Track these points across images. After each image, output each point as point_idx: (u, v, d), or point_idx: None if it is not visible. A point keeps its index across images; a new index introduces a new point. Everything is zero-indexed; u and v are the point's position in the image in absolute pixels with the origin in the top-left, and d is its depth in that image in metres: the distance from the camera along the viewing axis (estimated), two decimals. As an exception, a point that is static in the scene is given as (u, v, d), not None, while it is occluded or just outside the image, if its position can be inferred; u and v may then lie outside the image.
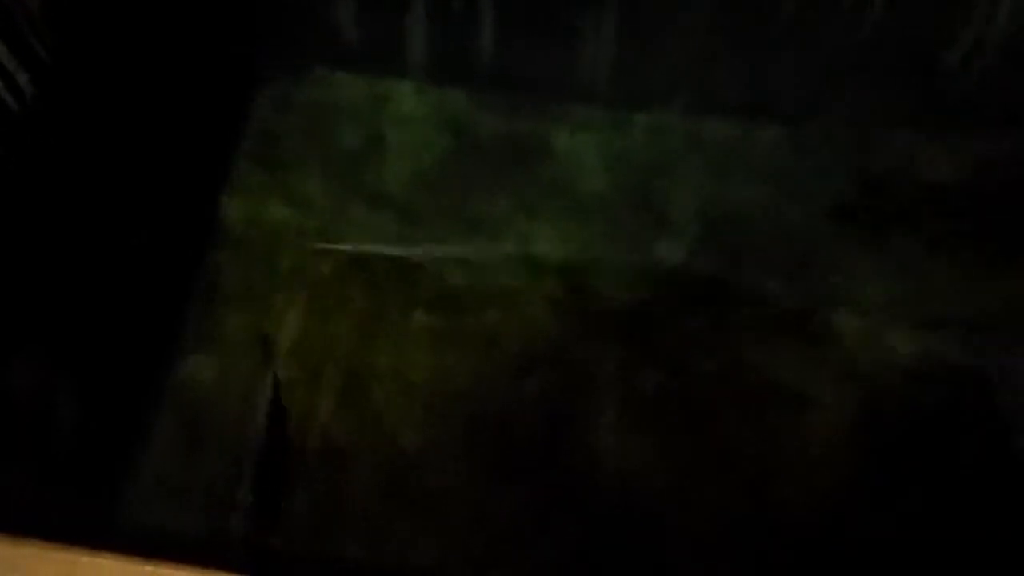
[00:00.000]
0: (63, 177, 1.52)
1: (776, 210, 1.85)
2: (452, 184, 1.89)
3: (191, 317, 1.73)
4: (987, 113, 1.86)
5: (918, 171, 1.87)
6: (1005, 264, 1.78)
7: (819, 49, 1.81)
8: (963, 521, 1.57)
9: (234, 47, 1.91)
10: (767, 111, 1.89)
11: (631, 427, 1.66)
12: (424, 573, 1.52)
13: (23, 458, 1.36)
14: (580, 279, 1.80)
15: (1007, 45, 1.76)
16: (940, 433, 1.65)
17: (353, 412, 1.66)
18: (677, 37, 1.80)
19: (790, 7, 1.75)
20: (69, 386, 1.46)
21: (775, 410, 1.67)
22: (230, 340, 1.72)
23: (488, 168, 1.89)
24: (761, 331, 1.74)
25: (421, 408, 1.68)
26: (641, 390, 1.69)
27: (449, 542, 1.56)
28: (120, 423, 1.60)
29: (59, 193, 1.51)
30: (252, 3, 1.91)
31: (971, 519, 1.57)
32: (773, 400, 1.68)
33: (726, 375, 1.70)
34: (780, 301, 1.77)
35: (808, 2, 1.74)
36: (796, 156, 1.89)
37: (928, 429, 1.65)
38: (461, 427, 1.66)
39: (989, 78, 1.80)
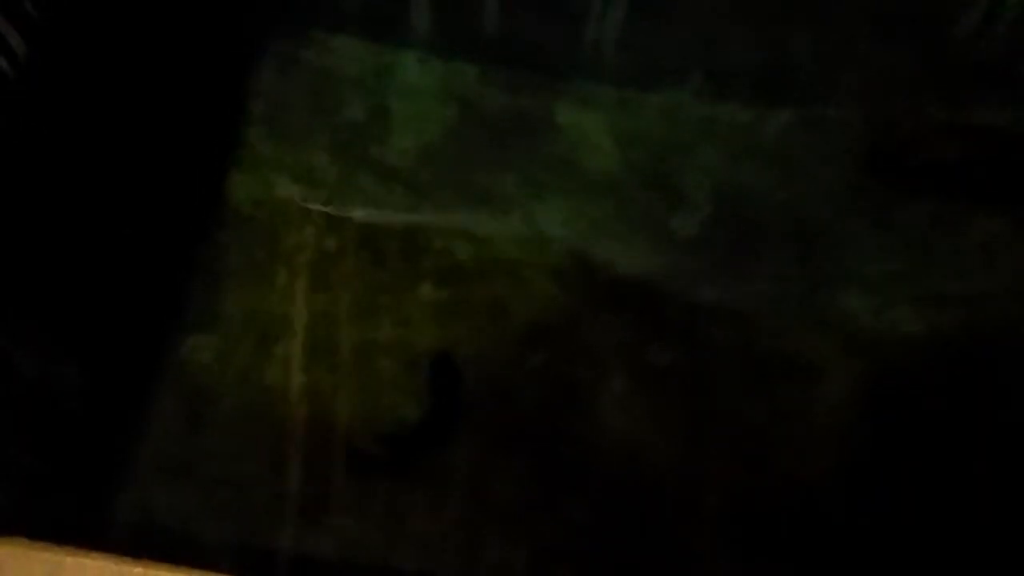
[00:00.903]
0: (59, 148, 1.49)
1: (787, 189, 1.83)
2: (458, 159, 1.86)
3: (193, 295, 1.71)
4: (1001, 87, 1.84)
5: (929, 147, 1.85)
6: (1011, 239, 1.77)
7: (833, 23, 1.78)
8: (968, 495, 1.57)
9: (235, 10, 1.86)
10: (780, 91, 1.87)
11: (639, 401, 1.65)
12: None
13: (23, 439, 1.35)
14: (589, 252, 1.78)
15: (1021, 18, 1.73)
16: (945, 407, 1.65)
17: (359, 387, 1.65)
18: (688, 14, 1.77)
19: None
20: (69, 366, 1.45)
21: (783, 385, 1.67)
22: (232, 318, 1.70)
23: (494, 143, 1.86)
24: (771, 307, 1.73)
25: (426, 381, 1.66)
26: (649, 364, 1.68)
27: (451, 517, 1.55)
28: (121, 403, 1.59)
29: (55, 165, 1.48)
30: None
31: (976, 493, 1.57)
32: (781, 375, 1.68)
33: (735, 349, 1.69)
34: (790, 277, 1.76)
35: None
36: (808, 138, 1.87)
37: (933, 403, 1.65)
38: (466, 401, 1.64)
39: (1002, 51, 1.78)
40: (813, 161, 1.85)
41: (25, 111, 1.43)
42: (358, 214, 1.80)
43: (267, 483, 1.57)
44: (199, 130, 1.79)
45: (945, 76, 1.84)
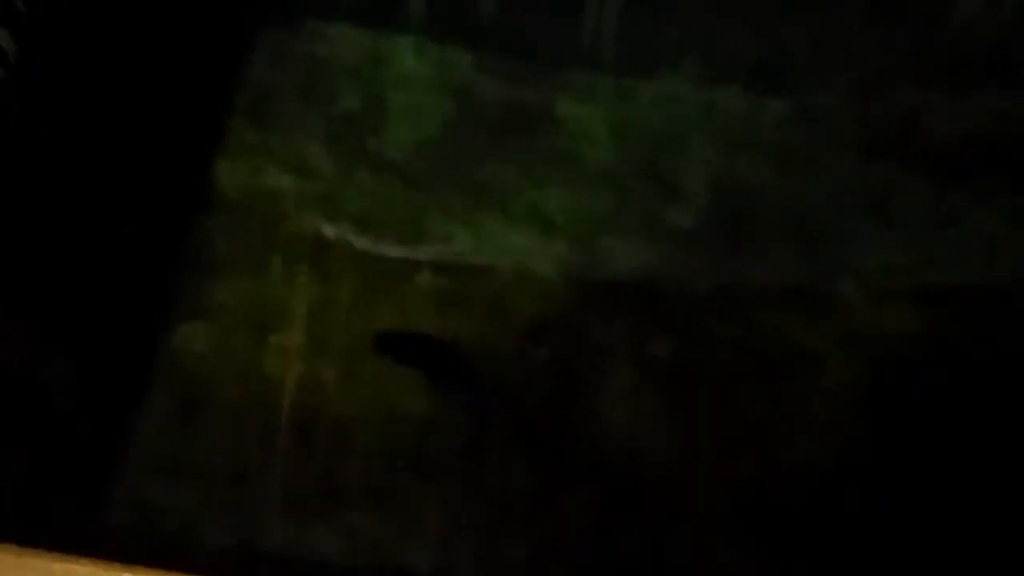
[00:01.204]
0: (50, 141, 1.48)
1: (784, 180, 1.82)
2: (456, 151, 1.85)
3: (185, 286, 1.70)
4: (1001, 71, 1.82)
5: (927, 136, 1.84)
6: (1012, 232, 1.76)
7: (830, 11, 1.78)
8: (968, 492, 1.57)
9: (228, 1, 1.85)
10: (777, 78, 1.86)
11: (641, 394, 1.64)
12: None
13: (15, 435, 1.35)
14: (589, 245, 1.78)
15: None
16: (944, 401, 1.64)
17: (357, 378, 1.64)
18: (685, 4, 1.77)
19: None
20: (60, 358, 1.45)
21: (784, 377, 1.67)
22: (224, 309, 1.69)
23: (492, 135, 1.86)
24: (770, 299, 1.73)
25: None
26: (652, 357, 1.67)
27: (452, 512, 1.55)
28: (113, 395, 1.59)
29: (46, 159, 1.47)
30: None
31: (976, 490, 1.57)
32: (783, 367, 1.67)
33: (736, 342, 1.69)
34: (789, 269, 1.75)
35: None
36: (805, 128, 1.86)
37: (932, 397, 1.64)
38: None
39: (1004, 34, 1.78)
40: (811, 152, 1.84)
41: (15, 107, 1.43)
42: (355, 208, 1.79)
43: (266, 479, 1.56)
44: (190, 122, 1.78)
45: (944, 61, 1.83)
